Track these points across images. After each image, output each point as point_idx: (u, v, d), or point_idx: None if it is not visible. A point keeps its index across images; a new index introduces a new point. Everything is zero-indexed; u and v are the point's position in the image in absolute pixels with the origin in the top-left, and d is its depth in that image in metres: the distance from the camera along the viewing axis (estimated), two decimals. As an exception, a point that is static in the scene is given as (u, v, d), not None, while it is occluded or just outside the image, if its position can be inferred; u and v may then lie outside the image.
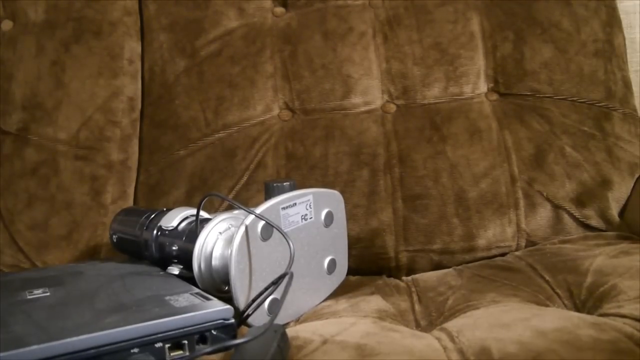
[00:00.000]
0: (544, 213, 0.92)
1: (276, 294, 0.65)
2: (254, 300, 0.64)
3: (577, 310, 0.68)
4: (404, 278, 0.88)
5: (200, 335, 0.57)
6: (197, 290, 0.65)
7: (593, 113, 0.97)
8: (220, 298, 0.62)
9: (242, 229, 0.63)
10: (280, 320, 0.67)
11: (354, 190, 0.95)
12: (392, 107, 1.01)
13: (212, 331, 0.57)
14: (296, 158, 0.99)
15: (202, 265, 0.69)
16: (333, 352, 0.57)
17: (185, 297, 0.61)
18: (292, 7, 1.08)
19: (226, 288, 0.69)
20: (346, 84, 1.01)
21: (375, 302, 0.75)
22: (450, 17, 1.02)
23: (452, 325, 0.64)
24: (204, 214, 0.74)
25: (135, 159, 1.06)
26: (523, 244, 0.92)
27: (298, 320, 0.72)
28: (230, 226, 0.72)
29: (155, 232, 0.79)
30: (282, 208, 0.68)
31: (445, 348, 0.58)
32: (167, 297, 0.61)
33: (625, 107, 0.98)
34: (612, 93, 0.98)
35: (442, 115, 0.99)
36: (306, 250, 0.72)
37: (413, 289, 0.82)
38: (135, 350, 0.53)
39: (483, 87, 1.01)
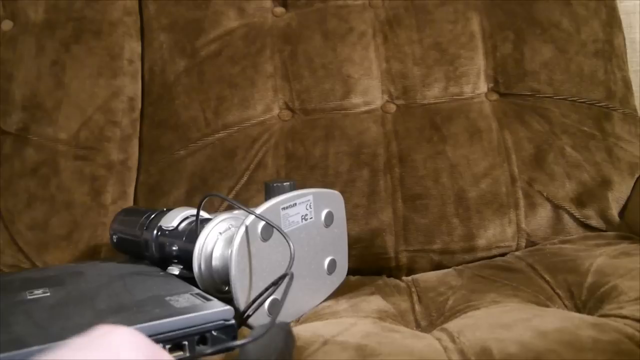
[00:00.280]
0: (544, 213, 0.92)
1: (276, 295, 0.65)
2: (254, 301, 0.64)
3: (578, 310, 0.68)
4: (404, 278, 0.88)
5: (201, 336, 0.56)
6: (197, 290, 0.65)
7: (593, 113, 0.97)
8: (220, 298, 0.62)
9: (242, 229, 0.63)
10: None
11: (354, 190, 0.95)
12: (392, 107, 1.01)
13: (213, 332, 0.57)
14: (296, 158, 0.99)
15: (202, 266, 0.69)
16: (334, 352, 0.57)
17: (186, 298, 0.61)
18: (292, 7, 1.08)
19: (226, 288, 0.69)
20: (346, 84, 1.01)
21: (376, 302, 0.75)
22: (450, 17, 1.02)
23: (453, 325, 0.64)
24: (204, 214, 0.74)
25: (135, 159, 1.06)
26: (523, 244, 0.92)
27: (298, 321, 0.72)
28: (230, 226, 0.72)
29: (155, 232, 0.79)
30: (282, 208, 0.68)
31: (445, 348, 0.58)
32: (168, 298, 0.61)
33: (625, 107, 0.98)
34: (612, 93, 0.98)
35: (442, 115, 0.99)
36: (306, 250, 0.72)
37: (413, 289, 0.82)
38: (136, 350, 0.53)
39: (483, 87, 1.01)
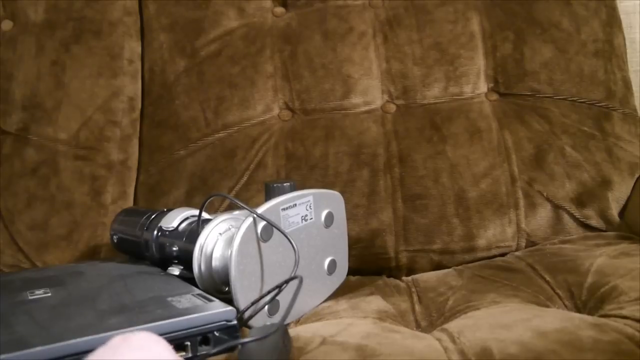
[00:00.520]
0: (544, 213, 0.93)
1: (277, 296, 0.65)
2: (255, 302, 0.64)
3: (578, 310, 0.68)
4: (404, 278, 0.88)
5: (203, 337, 0.57)
6: (198, 291, 0.65)
7: (593, 113, 0.97)
8: (220, 299, 0.62)
9: (243, 229, 0.63)
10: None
11: (354, 190, 0.95)
12: (392, 107, 1.01)
13: (215, 332, 0.57)
14: (296, 158, 0.99)
15: (203, 266, 0.69)
16: (334, 353, 0.57)
17: (188, 299, 0.61)
18: (292, 7, 1.08)
19: (226, 289, 0.69)
20: (346, 84, 1.02)
21: (376, 302, 0.75)
22: (450, 17, 1.03)
23: (453, 326, 0.64)
24: (204, 215, 0.74)
25: (135, 159, 1.06)
26: (523, 244, 0.92)
27: (298, 321, 0.72)
28: (230, 227, 0.72)
29: (155, 232, 0.79)
30: (282, 209, 0.68)
31: (446, 349, 0.58)
32: (169, 299, 0.61)
33: (625, 107, 0.98)
34: (612, 93, 0.98)
35: (442, 115, 0.99)
36: (306, 251, 0.72)
37: (413, 289, 0.82)
38: (138, 351, 0.53)
39: (483, 87, 1.01)
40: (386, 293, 0.80)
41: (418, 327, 0.71)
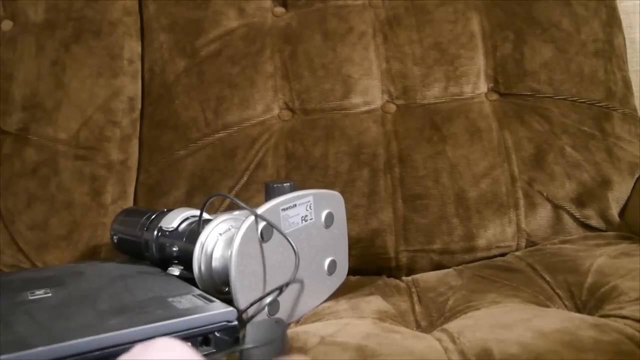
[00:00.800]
0: (544, 213, 0.93)
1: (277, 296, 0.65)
2: (254, 303, 0.64)
3: (578, 311, 0.68)
4: (404, 278, 0.88)
5: (204, 337, 0.57)
6: (199, 291, 0.65)
7: (593, 113, 0.97)
8: (220, 299, 0.62)
9: (243, 230, 0.63)
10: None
11: (354, 190, 0.95)
12: (392, 107, 1.01)
13: (216, 333, 0.57)
14: (296, 158, 0.99)
15: (203, 267, 0.69)
16: (334, 353, 0.57)
17: (188, 299, 0.61)
18: (292, 7, 1.08)
19: (226, 289, 0.69)
20: (346, 84, 1.02)
21: (376, 302, 0.75)
22: (450, 17, 1.03)
23: (453, 326, 0.64)
24: (204, 215, 0.74)
25: (135, 159, 1.06)
26: (523, 244, 0.92)
27: (298, 322, 0.72)
28: (230, 227, 0.72)
29: (155, 232, 0.79)
30: (282, 209, 0.68)
31: (446, 349, 0.58)
32: (170, 299, 0.61)
33: (625, 107, 0.98)
34: (612, 93, 0.98)
35: (442, 115, 0.99)
36: (306, 251, 0.72)
37: (413, 290, 0.82)
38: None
39: (483, 87, 1.01)
40: (386, 293, 0.80)
41: (418, 327, 0.71)
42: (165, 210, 0.82)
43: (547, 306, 0.69)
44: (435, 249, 0.92)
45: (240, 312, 0.62)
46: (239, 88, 1.03)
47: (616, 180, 0.93)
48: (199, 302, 0.60)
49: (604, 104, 0.97)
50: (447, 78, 1.00)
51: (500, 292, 0.74)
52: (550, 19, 1.00)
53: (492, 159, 0.95)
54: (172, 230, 0.77)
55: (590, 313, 0.66)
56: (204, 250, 0.69)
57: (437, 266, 0.92)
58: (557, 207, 0.93)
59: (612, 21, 1.02)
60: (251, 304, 0.63)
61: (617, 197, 0.93)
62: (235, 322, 0.58)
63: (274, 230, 0.66)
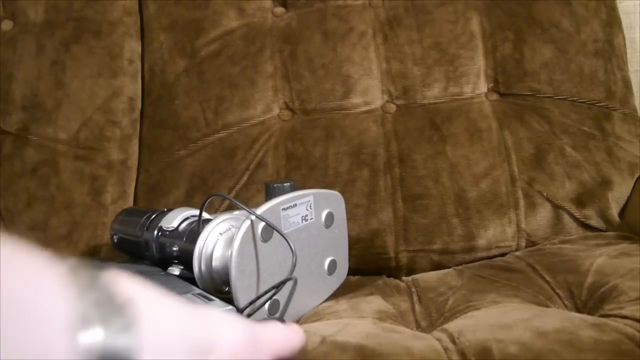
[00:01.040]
0: (544, 213, 0.93)
1: (277, 296, 0.65)
2: (253, 302, 0.64)
3: (578, 310, 0.68)
4: (404, 278, 0.88)
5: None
6: (198, 290, 0.65)
7: (593, 113, 0.97)
8: (220, 299, 0.62)
9: (243, 229, 0.63)
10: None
11: (354, 190, 0.95)
12: (392, 107, 1.01)
13: (214, 332, 0.57)
14: (296, 158, 0.99)
15: (203, 266, 0.69)
16: (333, 353, 0.57)
17: (188, 298, 0.61)
18: (292, 7, 1.08)
19: (227, 289, 0.69)
20: (346, 84, 1.02)
21: (376, 302, 0.75)
22: (450, 17, 1.03)
23: (453, 326, 0.64)
24: (204, 215, 0.74)
25: (135, 159, 1.06)
26: (523, 244, 0.92)
27: (298, 321, 0.72)
28: (230, 227, 0.72)
29: (155, 232, 0.79)
30: (282, 209, 0.68)
31: (446, 349, 0.58)
32: (169, 298, 0.61)
33: (625, 107, 0.98)
34: (612, 93, 0.98)
35: (442, 115, 0.99)
36: (306, 251, 0.72)
37: (413, 290, 0.82)
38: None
39: (483, 87, 1.01)
40: (386, 293, 0.80)
41: (418, 327, 0.71)
42: (165, 210, 0.82)
43: (547, 306, 0.69)
44: (435, 249, 0.92)
45: (239, 311, 0.62)
46: (239, 88, 1.03)
47: (616, 180, 0.93)
48: (199, 301, 0.60)
49: (604, 104, 0.97)
50: (447, 78, 1.01)
51: (500, 292, 0.74)
52: (550, 19, 1.00)
53: (492, 159, 0.95)
54: (172, 230, 0.77)
55: (590, 313, 0.66)
56: (204, 250, 0.69)
57: (437, 266, 0.92)
58: (557, 207, 0.93)
59: (612, 21, 1.02)
60: (250, 303, 0.63)
61: (617, 197, 0.93)
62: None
63: (274, 230, 0.66)
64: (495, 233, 0.92)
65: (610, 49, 1.00)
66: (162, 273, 0.75)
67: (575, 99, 0.98)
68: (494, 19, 1.02)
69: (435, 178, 0.95)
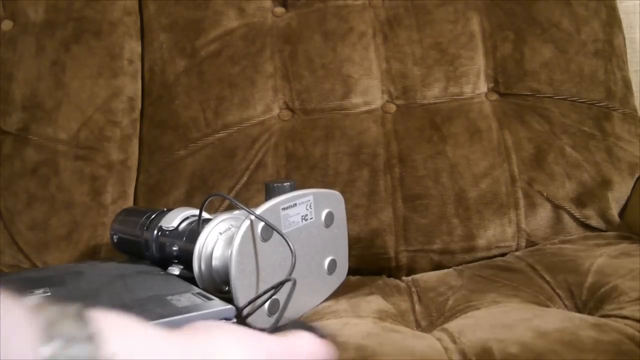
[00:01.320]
0: (544, 213, 0.93)
1: (277, 295, 0.65)
2: (252, 301, 0.64)
3: (578, 310, 0.68)
4: (404, 278, 0.88)
5: (202, 336, 0.56)
6: (198, 290, 0.65)
7: (593, 113, 0.97)
8: (220, 298, 0.62)
9: (243, 229, 0.63)
10: (281, 321, 0.67)
11: (354, 190, 0.95)
12: (392, 107, 1.01)
13: (214, 331, 0.57)
14: (296, 158, 0.99)
15: (203, 266, 0.69)
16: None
17: (187, 297, 0.61)
18: (292, 7, 1.08)
19: (226, 288, 0.69)
20: (346, 84, 1.01)
21: (376, 302, 0.75)
22: (450, 17, 1.03)
23: (453, 325, 0.64)
24: (204, 215, 0.74)
25: (135, 159, 1.06)
26: (523, 244, 0.92)
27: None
28: (230, 226, 0.72)
29: (155, 232, 0.79)
30: (282, 208, 0.68)
31: (446, 349, 0.58)
32: (169, 297, 0.61)
33: (625, 107, 0.98)
34: (612, 93, 0.98)
35: (442, 115, 0.99)
36: (306, 250, 0.72)
37: (413, 289, 0.82)
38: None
39: (483, 87, 1.01)
40: (386, 293, 0.80)
41: (418, 327, 0.71)
42: (165, 209, 0.82)
43: (547, 306, 0.69)
44: (435, 249, 0.92)
45: (239, 310, 0.62)
46: (239, 88, 1.03)
47: (616, 180, 0.93)
48: (198, 300, 0.60)
49: (604, 104, 0.97)
50: (447, 78, 1.00)
51: (500, 292, 0.74)
52: (550, 19, 1.00)
53: (492, 159, 0.95)
54: (172, 230, 0.77)
55: (590, 313, 0.66)
56: (204, 250, 0.69)
57: (437, 266, 0.92)
58: (557, 207, 0.93)
59: (612, 21, 1.02)
60: (250, 302, 0.63)
61: (617, 197, 0.93)
62: (234, 320, 0.58)
63: (274, 230, 0.66)
64: (495, 233, 0.92)
65: (610, 49, 1.00)
66: (162, 273, 0.75)
67: (575, 99, 0.98)
68: (494, 19, 1.02)
69: (435, 178, 0.95)
